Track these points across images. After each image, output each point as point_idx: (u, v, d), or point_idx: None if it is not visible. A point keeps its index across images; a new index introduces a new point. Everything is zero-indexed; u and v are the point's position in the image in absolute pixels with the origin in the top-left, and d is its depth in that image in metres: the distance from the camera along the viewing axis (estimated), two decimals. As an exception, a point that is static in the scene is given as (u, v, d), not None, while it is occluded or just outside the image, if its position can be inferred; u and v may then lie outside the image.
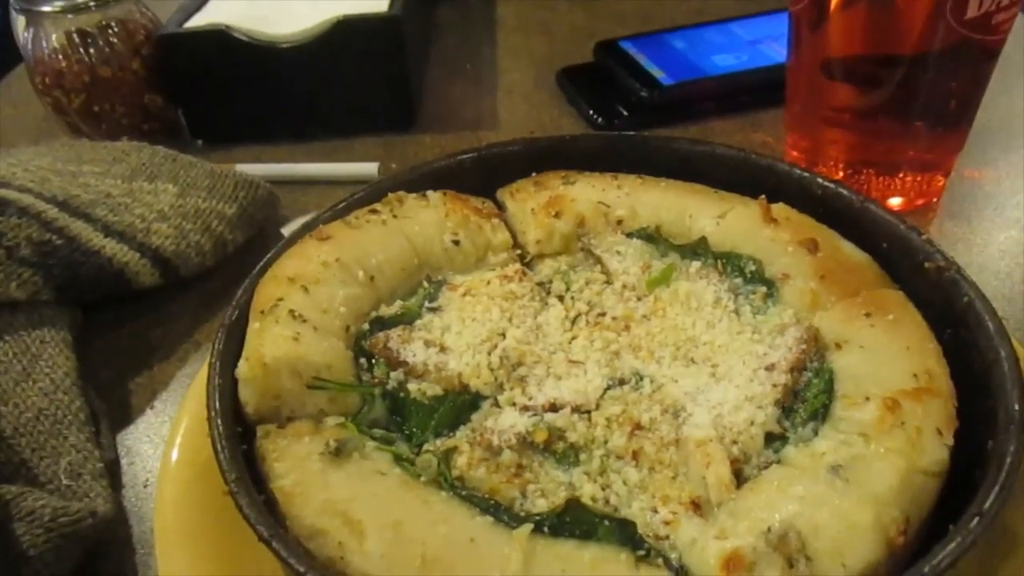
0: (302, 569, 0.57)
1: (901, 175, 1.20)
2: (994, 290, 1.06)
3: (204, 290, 1.13)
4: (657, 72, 1.49)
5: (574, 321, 0.83)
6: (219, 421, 0.68)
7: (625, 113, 1.47)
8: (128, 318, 1.09)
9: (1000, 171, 1.28)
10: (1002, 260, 1.13)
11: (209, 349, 0.75)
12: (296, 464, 0.67)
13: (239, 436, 0.71)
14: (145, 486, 0.89)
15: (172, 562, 0.71)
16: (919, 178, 1.20)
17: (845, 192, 0.90)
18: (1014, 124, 1.37)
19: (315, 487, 0.65)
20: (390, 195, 0.91)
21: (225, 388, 0.72)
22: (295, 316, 0.76)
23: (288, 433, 0.71)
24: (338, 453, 0.68)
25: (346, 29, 1.35)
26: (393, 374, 0.76)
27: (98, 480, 0.82)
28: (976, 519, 0.58)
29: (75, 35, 1.33)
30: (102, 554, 0.81)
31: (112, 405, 0.97)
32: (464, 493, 0.66)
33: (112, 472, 0.88)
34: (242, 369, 0.72)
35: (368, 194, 0.93)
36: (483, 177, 0.98)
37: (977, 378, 0.71)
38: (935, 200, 1.22)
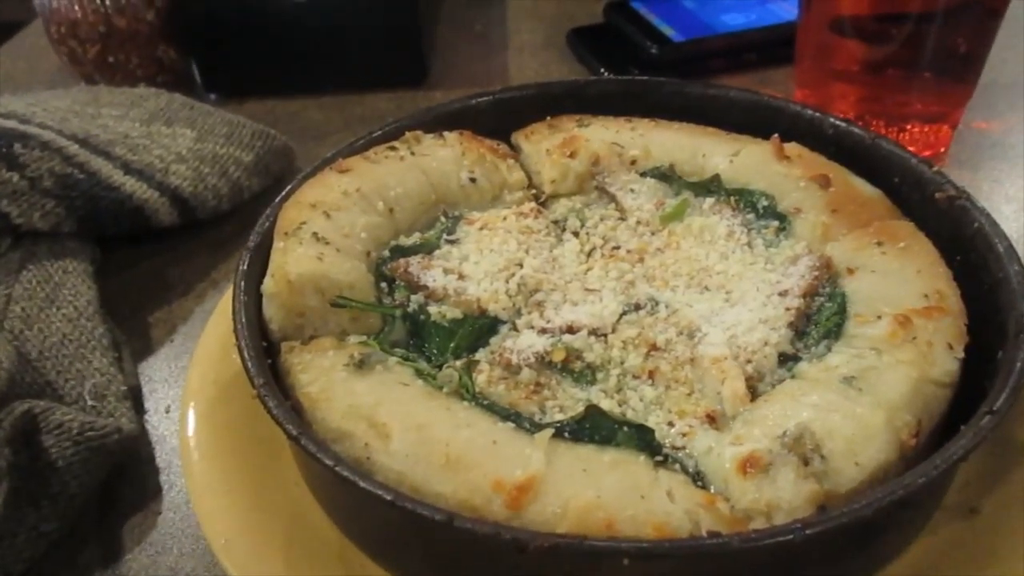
0: (330, 463, 0.59)
1: (909, 126, 1.22)
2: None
3: (220, 232, 1.13)
4: (667, 30, 1.50)
5: (589, 254, 0.84)
6: (246, 333, 0.70)
7: (636, 71, 1.47)
8: (145, 257, 1.10)
9: (1008, 123, 1.30)
10: (1008, 205, 1.15)
11: (229, 284, 0.76)
12: (321, 373, 0.69)
13: (264, 351, 0.72)
14: (167, 412, 0.90)
15: (199, 473, 0.73)
16: (927, 129, 1.22)
17: (856, 130, 0.91)
18: (1021, 80, 1.38)
19: (340, 393, 0.67)
20: (407, 134, 0.92)
21: (250, 306, 0.73)
22: (318, 238, 0.77)
23: (312, 348, 0.72)
24: (362, 365, 0.69)
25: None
26: (414, 297, 0.77)
27: (122, 402, 0.84)
28: (987, 417, 0.59)
29: (90, -15, 1.33)
30: (127, 473, 0.83)
31: (131, 338, 0.98)
32: (486, 403, 0.68)
33: (135, 397, 0.89)
34: (268, 285, 0.74)
35: (385, 133, 0.94)
36: (498, 120, 0.98)
37: (986, 298, 0.73)
38: (943, 150, 1.24)
